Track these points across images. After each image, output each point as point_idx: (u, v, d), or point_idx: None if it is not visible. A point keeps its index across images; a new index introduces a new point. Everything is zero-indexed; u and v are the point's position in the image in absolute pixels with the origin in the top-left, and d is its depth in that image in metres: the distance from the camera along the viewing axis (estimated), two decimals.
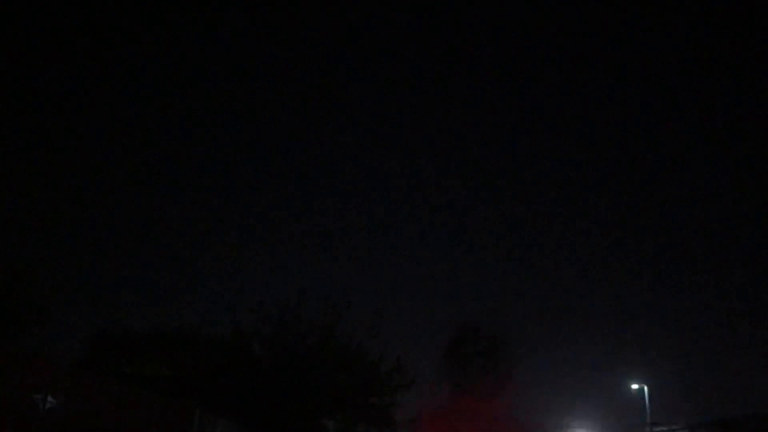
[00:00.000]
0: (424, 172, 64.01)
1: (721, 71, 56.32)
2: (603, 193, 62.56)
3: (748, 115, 59.25)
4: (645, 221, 64.40)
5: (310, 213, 57.35)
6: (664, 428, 30.12)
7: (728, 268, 61.78)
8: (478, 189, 61.97)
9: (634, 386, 32.33)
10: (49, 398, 7.63)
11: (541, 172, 63.73)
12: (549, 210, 64.75)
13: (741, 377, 58.05)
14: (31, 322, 14.84)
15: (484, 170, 63.22)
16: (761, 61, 53.05)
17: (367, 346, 20.76)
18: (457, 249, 61.47)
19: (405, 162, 63.08)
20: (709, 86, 57.66)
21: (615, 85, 59.81)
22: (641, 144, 62.43)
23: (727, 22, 53.17)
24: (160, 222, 53.94)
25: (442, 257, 62.32)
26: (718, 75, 57.55)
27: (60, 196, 39.03)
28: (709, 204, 62.54)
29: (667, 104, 59.49)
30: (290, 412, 19.32)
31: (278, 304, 20.51)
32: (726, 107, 60.14)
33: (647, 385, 31.79)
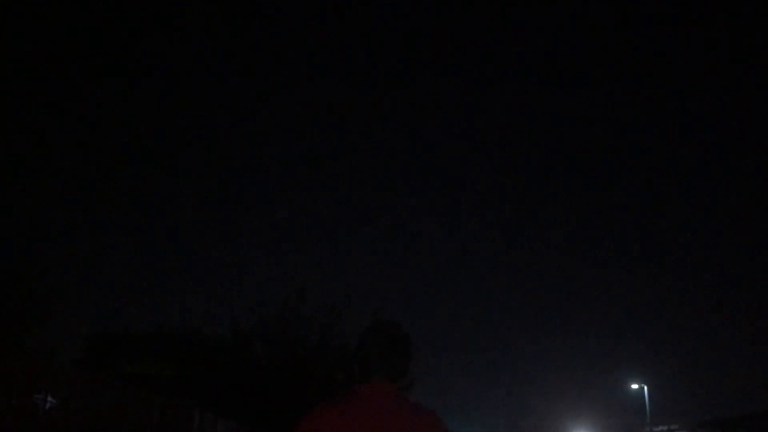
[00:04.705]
0: (424, 173, 63.98)
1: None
2: (604, 194, 62.53)
3: (748, 113, 59.18)
4: (646, 223, 64.37)
5: (311, 214, 57.34)
6: (664, 428, 30.10)
7: (729, 270, 61.79)
8: (479, 189, 61.97)
9: (634, 386, 32.36)
10: (49, 398, 7.62)
11: (541, 171, 63.72)
12: (550, 211, 64.74)
13: (741, 377, 58.08)
14: (31, 322, 14.81)
15: (485, 171, 63.21)
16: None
17: None
18: (458, 249, 61.46)
19: (405, 163, 63.05)
20: (700, 85, 57.60)
21: (608, 86, 59.74)
22: (642, 143, 62.39)
23: (727, 22, 53.14)
24: (161, 222, 53.92)
25: (442, 257, 62.29)
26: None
27: (60, 197, 39.01)
28: (710, 207, 62.50)
29: (666, 108, 59.44)
30: (290, 411, 19.30)
31: (278, 304, 20.48)
32: (724, 106, 60.08)
33: (647, 385, 31.82)
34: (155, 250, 49.05)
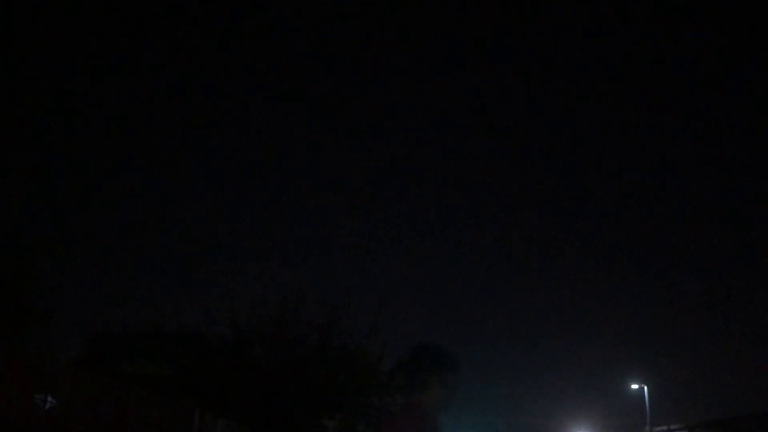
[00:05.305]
0: (424, 173, 64.04)
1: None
2: (604, 194, 62.58)
3: (749, 113, 59.23)
4: (646, 222, 64.41)
5: (311, 213, 57.36)
6: (664, 428, 30.10)
7: (728, 269, 61.82)
8: (478, 189, 62.01)
9: (634, 386, 32.32)
10: (49, 398, 7.62)
11: (539, 172, 63.76)
12: (549, 211, 64.77)
13: (741, 377, 58.12)
14: (32, 322, 14.82)
15: (483, 171, 63.26)
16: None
17: (368, 346, 20.73)
18: (458, 248, 61.51)
19: (405, 163, 63.10)
20: (698, 87, 57.65)
21: (606, 86, 59.81)
22: (639, 141, 62.43)
23: (727, 21, 53.17)
24: (161, 222, 53.96)
25: (442, 256, 62.33)
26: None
27: (60, 197, 39.04)
28: (710, 208, 62.54)
29: (665, 105, 59.49)
30: (290, 412, 19.30)
31: (278, 304, 20.47)
32: (724, 107, 60.12)
33: (647, 385, 31.80)
34: (155, 250, 49.08)
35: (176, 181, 51.49)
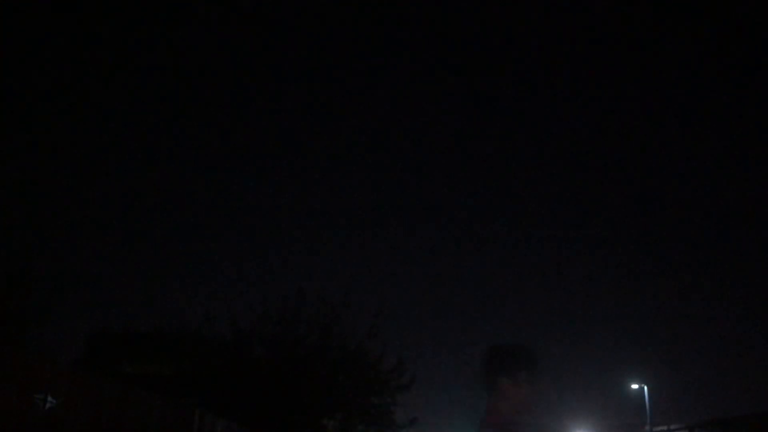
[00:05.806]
0: (425, 173, 64.06)
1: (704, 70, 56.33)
2: (605, 195, 62.59)
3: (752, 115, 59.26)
4: (646, 223, 64.46)
5: (311, 213, 57.41)
6: (664, 428, 30.10)
7: (728, 270, 61.86)
8: (480, 190, 62.02)
9: (634, 386, 32.37)
10: (49, 398, 7.63)
11: (542, 173, 63.76)
12: (550, 212, 64.81)
13: (741, 377, 58.16)
14: (31, 322, 14.83)
15: (488, 171, 63.27)
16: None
17: (367, 346, 20.76)
18: (457, 249, 61.54)
19: (407, 162, 63.14)
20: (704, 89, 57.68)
21: (613, 89, 59.85)
22: (643, 145, 62.44)
23: (727, 22, 53.19)
24: (161, 222, 54.00)
25: (442, 257, 62.37)
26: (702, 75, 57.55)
27: (60, 196, 39.04)
28: (709, 207, 62.59)
29: (669, 109, 59.52)
30: (290, 412, 19.31)
31: (278, 304, 20.50)
32: (728, 110, 60.14)
33: (647, 385, 31.84)
34: (155, 250, 49.07)
35: (177, 181, 51.53)
